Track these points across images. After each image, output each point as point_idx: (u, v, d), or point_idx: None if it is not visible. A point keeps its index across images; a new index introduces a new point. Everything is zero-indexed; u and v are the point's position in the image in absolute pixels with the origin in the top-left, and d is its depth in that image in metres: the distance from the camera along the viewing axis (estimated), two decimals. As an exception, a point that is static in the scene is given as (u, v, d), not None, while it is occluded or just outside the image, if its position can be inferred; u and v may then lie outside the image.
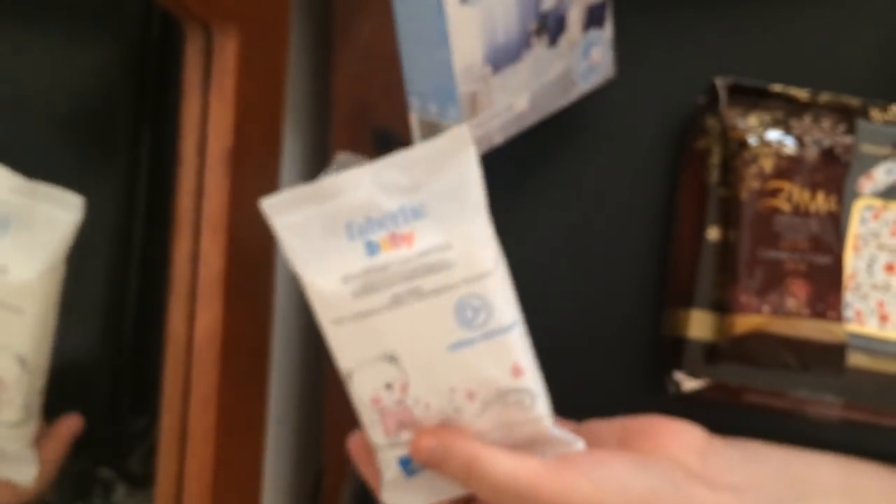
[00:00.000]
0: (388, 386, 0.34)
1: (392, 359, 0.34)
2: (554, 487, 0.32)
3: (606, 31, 0.37)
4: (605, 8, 0.37)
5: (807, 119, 0.40)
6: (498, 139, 0.35)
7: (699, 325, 0.40)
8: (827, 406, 0.39)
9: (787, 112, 0.40)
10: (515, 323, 0.34)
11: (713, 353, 0.40)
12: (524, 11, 0.33)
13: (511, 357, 0.33)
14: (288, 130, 0.57)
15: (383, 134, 0.66)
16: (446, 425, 0.34)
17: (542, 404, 0.34)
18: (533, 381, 0.34)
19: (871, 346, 0.39)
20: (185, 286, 0.45)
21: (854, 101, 0.40)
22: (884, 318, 0.39)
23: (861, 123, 0.40)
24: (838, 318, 0.38)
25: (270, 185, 0.51)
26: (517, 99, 0.35)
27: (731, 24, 0.44)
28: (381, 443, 0.35)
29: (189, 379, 0.45)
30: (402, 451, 0.35)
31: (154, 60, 0.49)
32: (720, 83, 0.40)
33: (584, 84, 0.38)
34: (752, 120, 0.40)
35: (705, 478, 0.34)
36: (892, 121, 0.40)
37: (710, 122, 0.41)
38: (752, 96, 0.40)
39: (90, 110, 0.48)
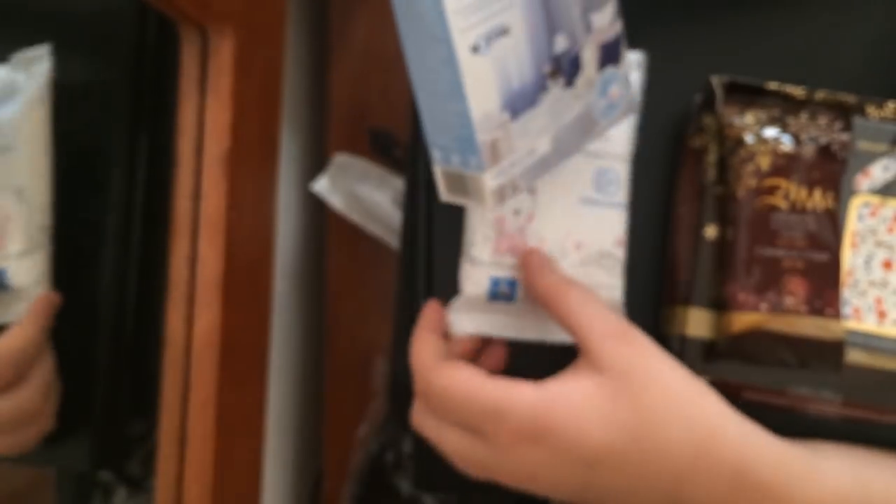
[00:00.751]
0: (517, 212, 0.39)
1: (532, 190, 0.39)
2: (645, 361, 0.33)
3: (622, 67, 0.37)
4: (620, 45, 0.37)
5: (803, 116, 0.40)
6: (523, 185, 0.35)
7: (697, 323, 0.40)
8: (826, 403, 0.39)
9: (784, 110, 0.40)
10: (627, 207, 0.41)
11: (712, 351, 0.40)
12: (537, 55, 0.33)
13: (619, 229, 0.41)
14: (285, 131, 0.57)
15: (381, 135, 0.66)
16: None
17: (622, 280, 0.40)
18: (623, 258, 0.40)
19: (869, 342, 0.39)
20: (183, 288, 0.45)
21: (850, 98, 0.40)
22: (882, 315, 0.39)
23: (857, 120, 0.40)
24: (836, 315, 0.38)
25: (268, 186, 0.51)
26: (538, 142, 0.35)
27: (726, 22, 0.44)
28: (483, 259, 0.39)
29: (188, 381, 0.45)
30: (499, 272, 0.39)
31: (150, 63, 0.49)
32: (716, 81, 0.40)
33: (605, 121, 0.38)
34: (749, 118, 0.40)
35: None
36: (888, 117, 0.40)
37: (707, 120, 0.41)
38: (748, 94, 0.40)
39: (87, 113, 0.48)
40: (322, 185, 0.55)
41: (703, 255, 0.40)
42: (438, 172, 0.35)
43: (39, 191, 0.46)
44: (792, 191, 0.39)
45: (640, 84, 0.42)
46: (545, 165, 0.36)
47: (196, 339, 0.45)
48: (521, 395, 0.32)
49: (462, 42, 0.30)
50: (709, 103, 0.41)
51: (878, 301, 0.39)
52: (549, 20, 0.33)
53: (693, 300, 0.40)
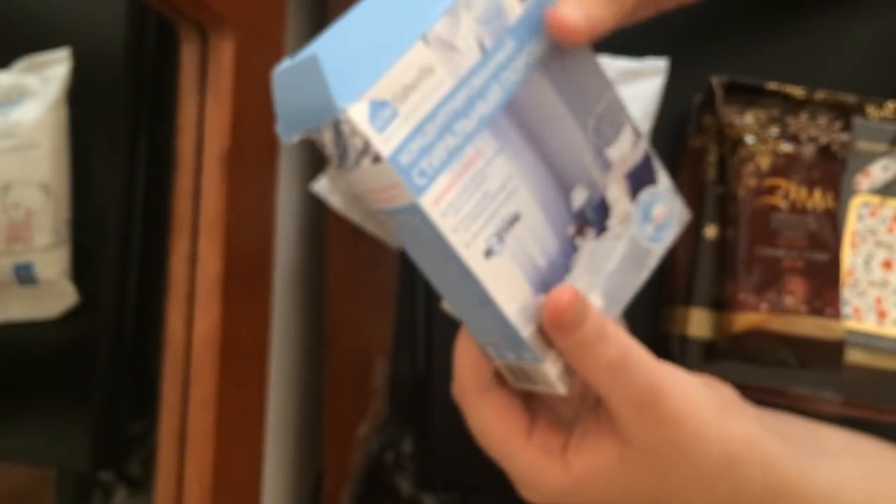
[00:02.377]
0: None
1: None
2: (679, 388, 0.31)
3: (662, 183, 0.34)
4: (651, 163, 0.33)
5: (803, 117, 0.40)
6: None
7: (698, 323, 0.40)
8: (826, 403, 0.39)
9: (784, 110, 0.40)
10: None
11: (712, 351, 0.40)
12: (556, 222, 0.30)
13: None
14: (285, 132, 0.57)
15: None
16: None
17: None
18: None
19: (869, 342, 0.39)
20: (183, 289, 0.45)
21: (850, 98, 0.40)
22: (881, 315, 0.39)
23: (857, 120, 0.40)
24: (836, 314, 0.38)
25: (268, 186, 0.51)
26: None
27: (726, 23, 0.44)
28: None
29: (188, 381, 0.45)
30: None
31: (150, 63, 0.49)
32: (716, 81, 0.40)
33: (659, 244, 0.34)
34: (749, 118, 0.40)
35: None
36: (888, 117, 0.40)
37: (707, 120, 0.41)
38: (748, 94, 0.40)
39: (87, 113, 0.48)
40: (322, 185, 0.55)
41: (703, 254, 0.40)
42: (501, 365, 0.32)
43: (62, 186, 0.47)
44: (792, 191, 0.39)
45: (661, 89, 0.42)
46: (609, 317, 0.33)
47: (196, 339, 0.45)
48: (548, 476, 0.32)
49: (471, 254, 0.28)
50: (709, 103, 0.41)
51: (878, 301, 0.39)
52: (558, 182, 0.30)
53: (693, 300, 0.40)
